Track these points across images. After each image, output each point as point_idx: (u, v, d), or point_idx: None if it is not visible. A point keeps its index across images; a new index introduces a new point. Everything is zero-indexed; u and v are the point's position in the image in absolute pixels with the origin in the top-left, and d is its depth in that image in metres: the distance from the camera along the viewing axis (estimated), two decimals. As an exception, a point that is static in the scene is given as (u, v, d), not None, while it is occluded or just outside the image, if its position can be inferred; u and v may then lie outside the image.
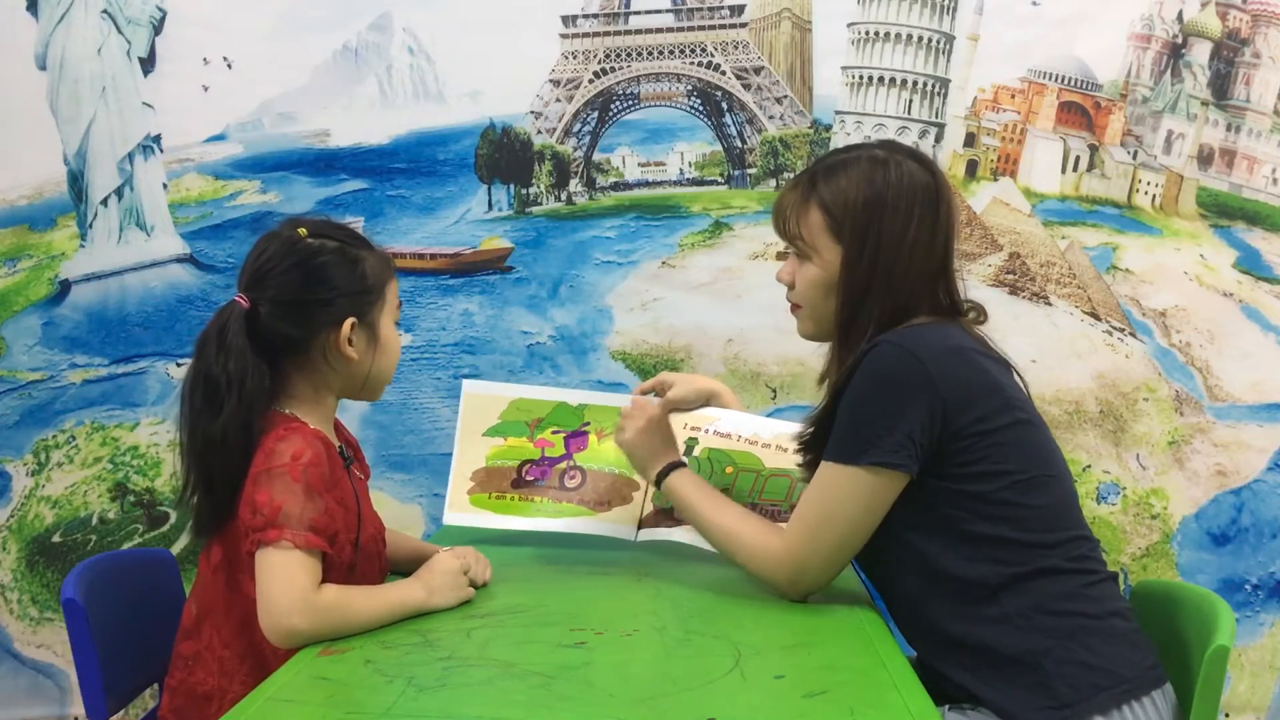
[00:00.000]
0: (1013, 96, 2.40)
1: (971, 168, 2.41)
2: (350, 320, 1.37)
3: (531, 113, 2.40)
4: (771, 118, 2.41)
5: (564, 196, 2.43)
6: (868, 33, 2.37)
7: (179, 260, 2.42)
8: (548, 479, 1.69)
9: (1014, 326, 2.33)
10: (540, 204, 2.42)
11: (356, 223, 2.39)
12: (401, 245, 2.40)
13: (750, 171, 2.43)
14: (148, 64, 2.40)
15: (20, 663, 2.45)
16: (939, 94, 2.39)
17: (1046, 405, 2.33)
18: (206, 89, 2.39)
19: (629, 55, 2.40)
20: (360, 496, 1.42)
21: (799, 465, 1.43)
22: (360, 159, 2.41)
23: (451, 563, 1.36)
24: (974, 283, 2.36)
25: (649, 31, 2.40)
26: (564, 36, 2.39)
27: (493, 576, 1.44)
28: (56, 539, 2.43)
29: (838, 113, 2.40)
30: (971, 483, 1.26)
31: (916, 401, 1.24)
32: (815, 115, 2.41)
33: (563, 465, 1.70)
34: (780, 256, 2.22)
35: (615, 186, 2.43)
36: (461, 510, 1.67)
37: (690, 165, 2.43)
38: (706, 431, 1.68)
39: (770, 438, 1.64)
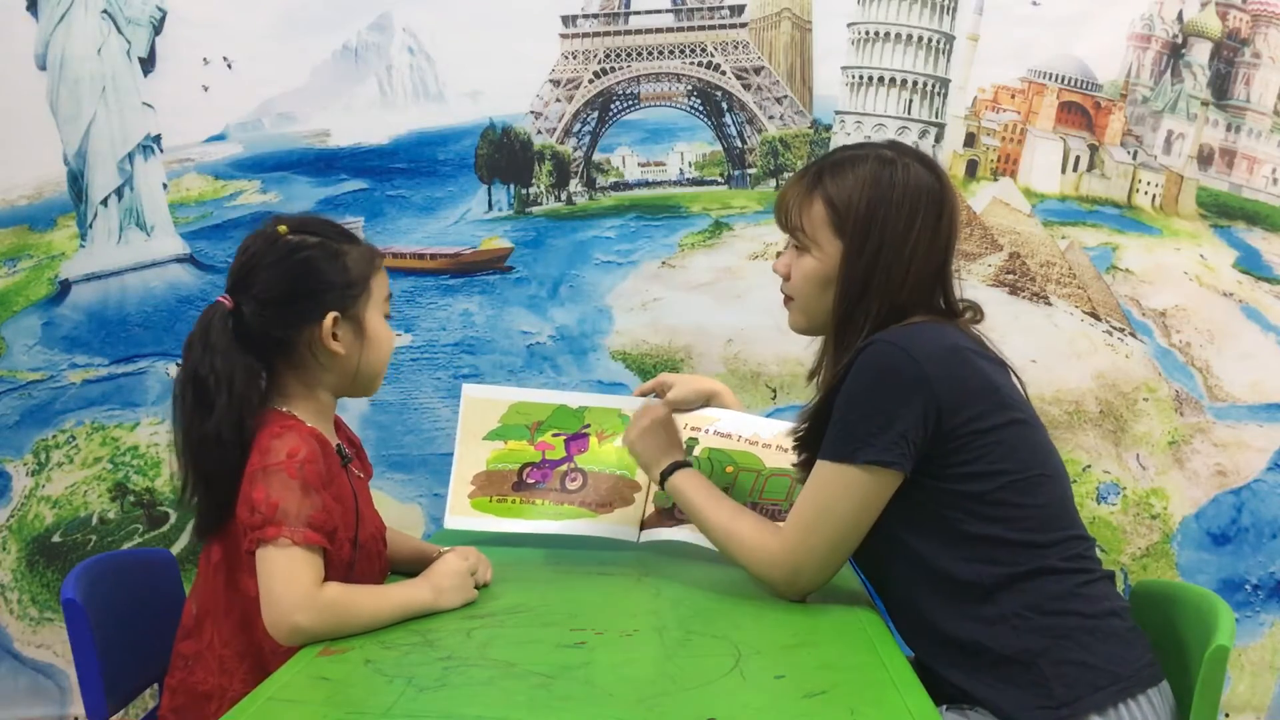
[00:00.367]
0: (1013, 96, 2.40)
1: (971, 168, 2.41)
2: (332, 315, 1.37)
3: (531, 113, 2.41)
4: (771, 118, 2.41)
5: (564, 196, 2.43)
6: (868, 33, 2.37)
7: (179, 260, 2.42)
8: (549, 481, 1.68)
9: (1014, 326, 2.33)
10: (540, 204, 2.42)
11: (356, 222, 2.40)
12: (401, 245, 2.40)
13: (750, 171, 2.43)
14: (148, 64, 2.40)
15: (20, 663, 2.45)
16: (939, 94, 2.39)
17: (1046, 405, 2.33)
18: (206, 89, 2.39)
19: (629, 55, 2.40)
20: (358, 494, 1.42)
21: (794, 465, 1.43)
22: (360, 159, 2.41)
23: (459, 564, 1.36)
24: (974, 283, 2.36)
25: (649, 31, 2.40)
26: (564, 36, 2.39)
27: (493, 576, 1.44)
28: (56, 539, 2.43)
29: (838, 113, 2.40)
30: (967, 483, 1.26)
31: (911, 401, 1.24)
32: (815, 115, 2.41)
33: (564, 467, 1.70)
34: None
35: (615, 186, 2.43)
36: (463, 514, 1.67)
37: (690, 165, 2.43)
38: (707, 432, 1.68)
39: (770, 438, 1.64)
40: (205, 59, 2.38)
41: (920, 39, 2.37)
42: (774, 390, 2.39)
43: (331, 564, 1.29)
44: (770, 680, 1.09)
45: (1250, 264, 2.40)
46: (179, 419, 1.34)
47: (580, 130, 2.42)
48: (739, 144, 2.43)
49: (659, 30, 2.40)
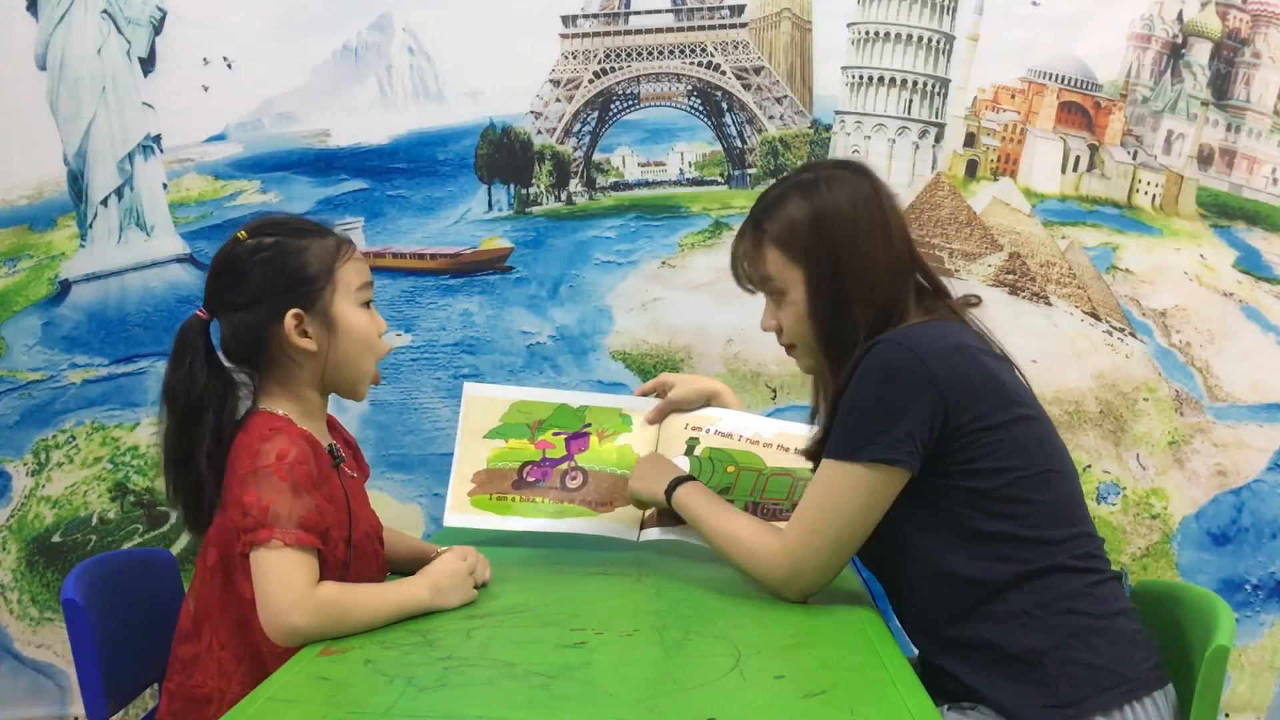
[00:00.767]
0: (1013, 96, 2.40)
1: (971, 168, 2.41)
2: (293, 312, 1.37)
3: (531, 113, 2.40)
4: (771, 118, 2.41)
5: (564, 196, 2.43)
6: (868, 33, 2.37)
7: (179, 260, 2.43)
8: (549, 479, 1.68)
9: (1014, 326, 2.33)
10: (540, 204, 2.42)
11: (356, 222, 2.40)
12: (401, 245, 2.40)
13: (750, 171, 2.43)
14: (148, 64, 2.40)
15: (20, 663, 2.45)
16: (939, 94, 2.39)
17: (1046, 405, 2.29)
18: (206, 89, 2.39)
19: (629, 55, 2.40)
20: (351, 494, 1.42)
21: (810, 470, 1.43)
22: (360, 159, 2.41)
23: (458, 564, 1.36)
24: (974, 283, 2.36)
25: (649, 31, 2.40)
26: (564, 36, 2.39)
27: (493, 576, 1.44)
28: (56, 539, 2.43)
29: (838, 113, 2.40)
30: (976, 479, 1.27)
31: (917, 399, 1.24)
32: (815, 115, 2.41)
33: (564, 466, 1.69)
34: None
35: (615, 186, 2.43)
36: (462, 511, 1.67)
37: (690, 165, 2.43)
38: (708, 431, 1.68)
39: (771, 437, 1.64)
40: (205, 59, 2.38)
41: (920, 39, 2.37)
42: (774, 390, 2.39)
43: (326, 564, 1.29)
44: (770, 680, 1.09)
45: (1250, 264, 2.40)
46: (160, 427, 1.38)
47: (580, 130, 2.42)
48: (739, 144, 2.43)
49: (659, 30, 2.40)
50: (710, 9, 2.39)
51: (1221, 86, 2.41)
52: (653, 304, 2.40)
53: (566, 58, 2.40)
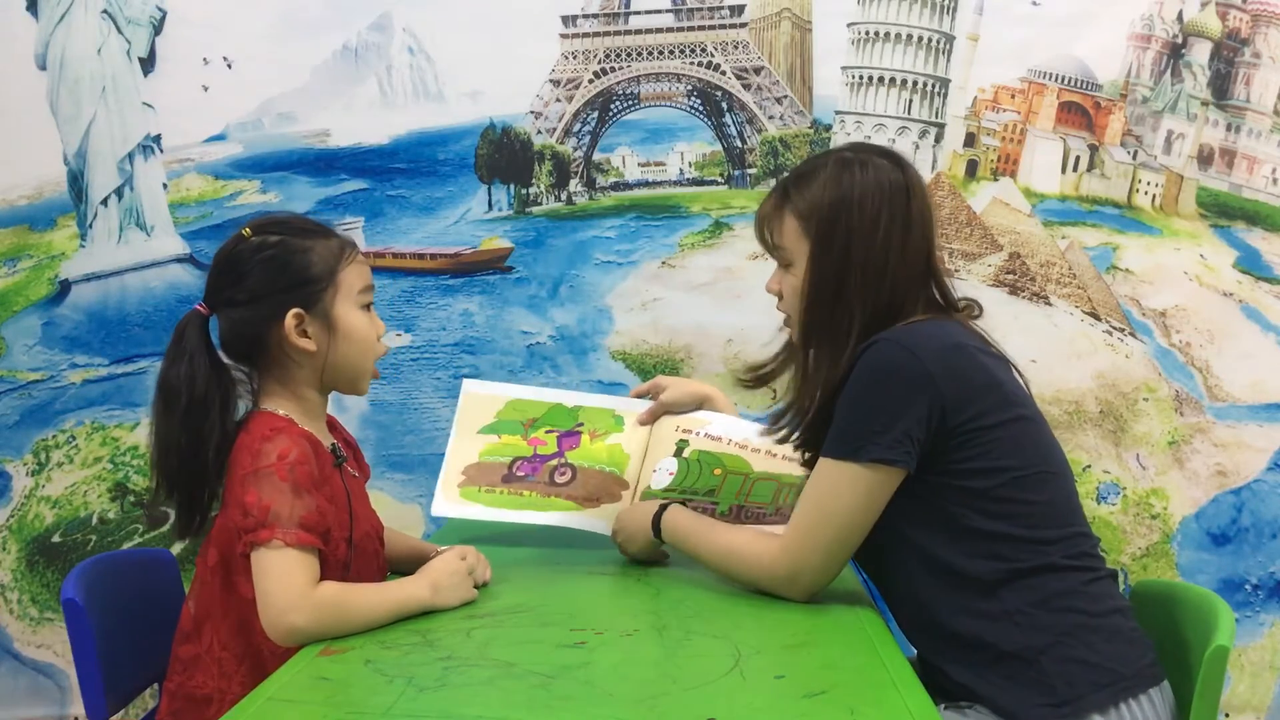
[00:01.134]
0: (1013, 96, 2.40)
1: (971, 168, 2.41)
2: (294, 311, 1.37)
3: (531, 113, 2.40)
4: (771, 118, 2.41)
5: (564, 196, 2.43)
6: (868, 33, 2.37)
7: (179, 260, 2.42)
8: (538, 475, 1.70)
9: (1014, 326, 2.33)
10: (540, 204, 2.42)
11: (356, 222, 2.40)
12: (401, 245, 2.40)
13: (750, 171, 2.43)
14: (148, 64, 2.40)
15: (20, 663, 2.45)
16: (939, 94, 2.39)
17: (1046, 405, 2.33)
18: (206, 89, 2.39)
19: (629, 55, 2.40)
20: (352, 494, 1.42)
21: (801, 464, 1.44)
22: (360, 159, 2.41)
23: (457, 563, 1.36)
24: (974, 283, 2.36)
25: (649, 31, 2.40)
26: (564, 36, 2.39)
27: (493, 576, 1.44)
28: (56, 539, 2.43)
29: (838, 113, 2.40)
30: (972, 479, 1.27)
31: (915, 398, 1.25)
32: (815, 115, 2.41)
33: (553, 462, 1.71)
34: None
35: (615, 186, 2.43)
36: (451, 502, 1.68)
37: (690, 165, 2.43)
38: (698, 434, 1.69)
39: (760, 442, 1.65)
40: (205, 59, 2.38)
41: (920, 39, 2.37)
42: (774, 390, 2.38)
43: (327, 564, 1.29)
44: (770, 680, 1.09)
45: (1250, 264, 2.40)
46: (151, 424, 1.37)
47: (580, 130, 2.42)
48: (739, 144, 2.43)
49: (659, 30, 2.40)
50: (710, 9, 2.39)
51: (1221, 86, 2.41)
52: (653, 304, 2.40)
53: (566, 58, 2.40)
